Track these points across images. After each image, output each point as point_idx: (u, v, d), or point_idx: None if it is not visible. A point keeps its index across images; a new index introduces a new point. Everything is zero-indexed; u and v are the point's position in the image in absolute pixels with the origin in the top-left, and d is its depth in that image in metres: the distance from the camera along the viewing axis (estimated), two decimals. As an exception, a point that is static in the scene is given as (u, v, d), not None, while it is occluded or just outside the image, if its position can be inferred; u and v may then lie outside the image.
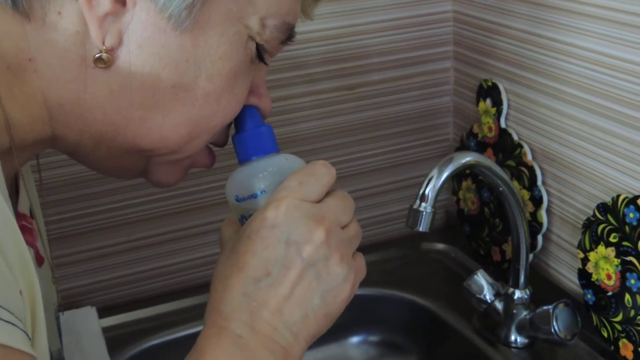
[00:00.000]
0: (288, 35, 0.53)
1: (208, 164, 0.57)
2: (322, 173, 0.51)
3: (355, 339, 0.92)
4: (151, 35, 0.46)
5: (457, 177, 0.97)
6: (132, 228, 0.90)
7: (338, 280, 0.49)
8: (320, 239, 0.48)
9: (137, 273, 0.92)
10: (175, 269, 0.93)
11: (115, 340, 0.81)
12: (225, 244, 0.52)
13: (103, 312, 0.85)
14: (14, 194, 0.52)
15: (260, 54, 0.52)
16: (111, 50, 0.46)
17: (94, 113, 0.48)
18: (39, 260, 0.52)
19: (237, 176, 0.54)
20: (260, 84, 0.56)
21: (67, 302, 0.88)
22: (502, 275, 0.85)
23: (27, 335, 0.40)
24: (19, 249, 0.42)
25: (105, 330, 0.82)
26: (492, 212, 0.91)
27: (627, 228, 0.71)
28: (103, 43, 0.46)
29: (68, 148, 0.51)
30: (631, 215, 0.70)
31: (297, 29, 0.89)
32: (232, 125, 0.57)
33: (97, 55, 0.46)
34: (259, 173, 0.53)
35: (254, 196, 0.53)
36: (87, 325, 0.82)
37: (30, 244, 0.51)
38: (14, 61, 0.46)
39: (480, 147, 0.91)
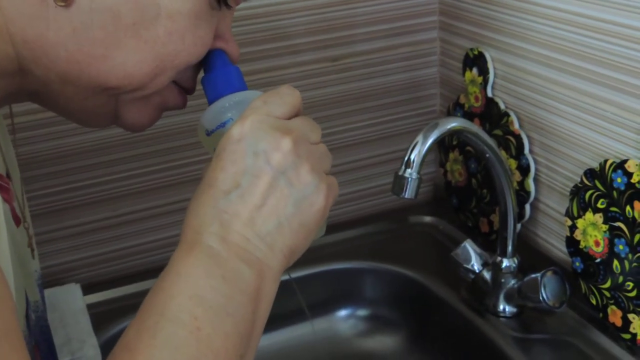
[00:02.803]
0: None
1: (179, 103, 0.57)
2: (286, 93, 0.51)
3: (343, 313, 0.92)
4: None
5: (444, 148, 0.96)
6: (117, 203, 0.88)
7: (311, 189, 0.49)
8: (287, 146, 0.48)
9: (121, 249, 0.90)
10: (160, 244, 0.92)
11: (99, 317, 0.80)
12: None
13: (87, 289, 0.84)
14: None
15: None
16: None
17: (57, 50, 0.48)
18: (15, 219, 0.52)
19: (205, 113, 0.55)
20: (226, 31, 0.56)
21: (51, 279, 0.87)
22: (491, 246, 0.84)
23: None
24: None
25: (90, 307, 0.81)
26: (480, 183, 0.90)
27: (614, 193, 0.70)
28: None
29: (36, 86, 0.51)
30: (619, 180, 0.70)
31: (280, -1, 0.89)
32: (202, 71, 0.57)
33: None
34: (226, 104, 0.54)
35: (222, 125, 0.53)
36: (71, 303, 0.81)
37: (6, 200, 0.51)
38: None
39: (467, 118, 0.90)
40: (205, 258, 0.45)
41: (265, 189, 0.47)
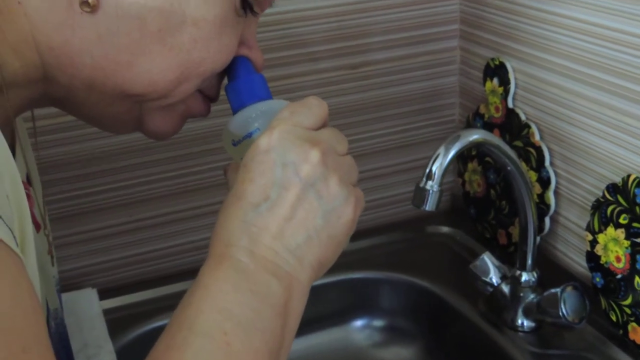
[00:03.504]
0: None
1: (203, 112, 0.57)
2: (314, 104, 0.51)
3: (359, 323, 0.91)
4: None
5: (463, 159, 0.96)
6: (134, 208, 0.88)
7: (339, 200, 0.48)
8: (316, 158, 0.48)
9: (138, 254, 0.90)
10: (178, 250, 0.92)
11: (116, 322, 0.80)
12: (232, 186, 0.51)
13: (104, 294, 0.84)
14: None
15: (248, 3, 0.52)
16: None
17: (83, 57, 0.48)
18: (35, 226, 0.52)
19: (231, 123, 0.54)
20: (250, 38, 0.56)
21: (68, 283, 0.87)
22: (508, 258, 0.83)
23: (15, 239, 0.39)
24: (8, 164, 0.41)
25: (106, 312, 0.81)
26: (499, 195, 0.90)
27: (637, 209, 0.69)
28: None
29: (61, 92, 0.51)
30: (642, 195, 0.69)
31: (298, 6, 0.88)
32: (225, 80, 0.57)
33: None
34: (252, 113, 0.53)
35: (248, 135, 0.53)
36: (88, 307, 0.81)
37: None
38: (4, 4, 0.46)
39: (487, 128, 0.90)
40: (234, 272, 0.45)
41: (294, 201, 0.47)
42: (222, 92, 0.58)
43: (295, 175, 0.47)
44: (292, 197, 0.47)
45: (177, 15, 0.49)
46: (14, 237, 0.39)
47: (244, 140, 0.53)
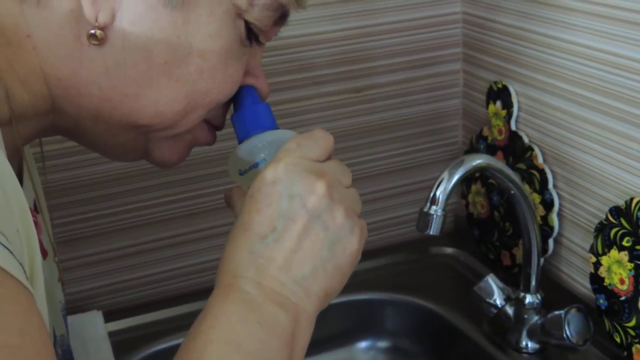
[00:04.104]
0: (280, 14, 0.53)
1: (210, 141, 0.58)
2: (320, 137, 0.51)
3: (363, 344, 0.91)
4: (143, 12, 0.47)
5: (467, 180, 0.96)
6: (138, 232, 0.89)
7: (345, 231, 0.49)
8: (322, 190, 0.48)
9: (143, 277, 0.91)
10: (182, 272, 0.92)
11: (121, 344, 0.81)
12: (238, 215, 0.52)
13: (109, 316, 0.85)
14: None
15: (253, 33, 0.52)
16: (104, 28, 0.47)
17: (90, 89, 0.49)
18: (42, 253, 0.52)
19: (237, 152, 0.55)
20: (256, 67, 0.56)
21: (73, 306, 0.88)
22: (512, 280, 0.84)
23: (25, 273, 0.39)
24: (18, 196, 0.42)
25: (112, 334, 0.81)
26: (502, 216, 0.90)
27: (640, 232, 0.70)
28: (96, 20, 0.47)
29: (68, 123, 0.52)
30: (645, 218, 0.69)
31: (303, 31, 0.89)
32: (231, 108, 0.57)
33: (90, 32, 0.47)
34: (258, 144, 0.54)
35: (255, 166, 0.54)
36: (93, 330, 0.81)
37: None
38: (14, 37, 0.47)
39: (490, 150, 0.90)
40: (241, 303, 0.46)
41: (300, 233, 0.48)
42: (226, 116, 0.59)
43: (302, 207, 0.48)
44: (298, 229, 0.47)
45: (183, 47, 0.49)
46: (24, 271, 0.39)
47: (251, 170, 0.54)
